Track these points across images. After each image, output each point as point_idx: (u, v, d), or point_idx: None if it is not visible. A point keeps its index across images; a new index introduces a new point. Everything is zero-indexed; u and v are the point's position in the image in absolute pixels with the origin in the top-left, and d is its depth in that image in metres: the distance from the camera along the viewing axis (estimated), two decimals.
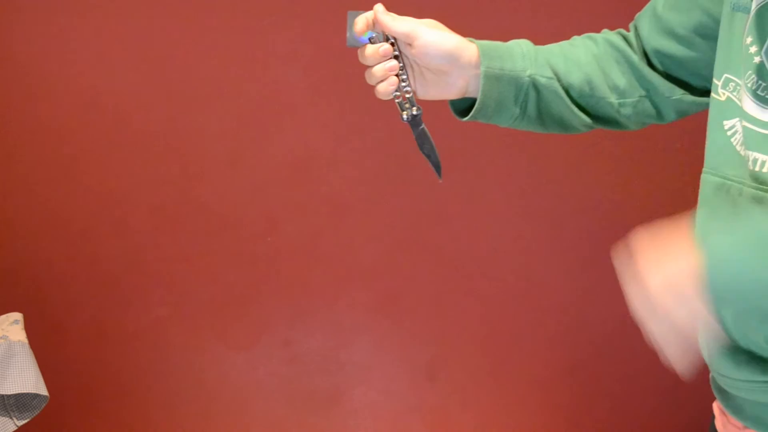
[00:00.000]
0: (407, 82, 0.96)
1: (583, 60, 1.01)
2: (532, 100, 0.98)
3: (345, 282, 2.12)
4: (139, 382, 2.14)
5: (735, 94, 0.81)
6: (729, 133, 0.81)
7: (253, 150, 2.07)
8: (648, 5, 1.03)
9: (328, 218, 2.10)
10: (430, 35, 0.92)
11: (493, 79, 0.95)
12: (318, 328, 2.14)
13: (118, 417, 2.15)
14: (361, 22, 0.94)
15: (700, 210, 0.85)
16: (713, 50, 0.93)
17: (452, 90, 0.97)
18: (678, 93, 1.00)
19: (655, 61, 1.01)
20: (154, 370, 2.14)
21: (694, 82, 0.99)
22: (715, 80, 0.85)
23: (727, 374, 0.85)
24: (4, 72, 2.02)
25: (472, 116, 0.98)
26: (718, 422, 0.93)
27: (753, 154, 0.78)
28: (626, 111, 1.01)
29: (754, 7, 0.79)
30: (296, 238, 2.10)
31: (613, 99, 1.00)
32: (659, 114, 1.02)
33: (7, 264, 2.07)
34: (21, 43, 2.01)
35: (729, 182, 0.81)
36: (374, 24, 0.94)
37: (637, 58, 1.01)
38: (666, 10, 0.98)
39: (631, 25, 1.06)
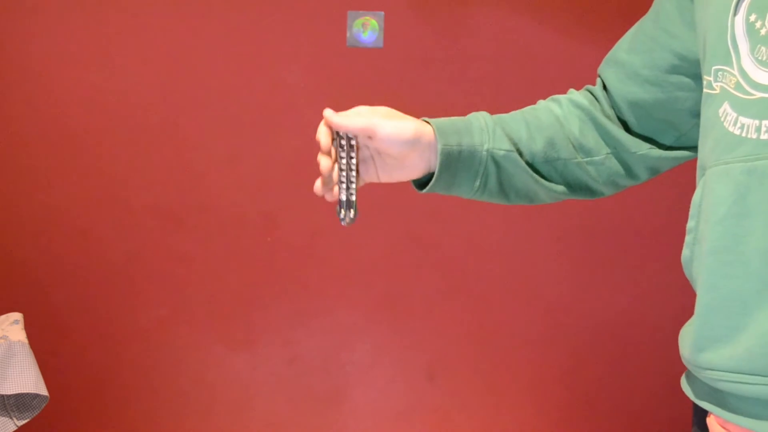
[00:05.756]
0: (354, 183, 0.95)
1: (546, 123, 1.00)
2: (493, 174, 0.97)
3: (345, 282, 2.12)
4: (138, 382, 2.14)
5: (725, 81, 0.79)
6: (722, 119, 0.78)
7: (253, 150, 2.07)
8: (609, 54, 1.03)
9: (328, 218, 2.09)
10: (388, 126, 0.92)
11: (451, 155, 0.94)
12: (318, 329, 2.14)
13: (118, 417, 2.15)
14: (323, 134, 0.93)
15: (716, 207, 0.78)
16: (682, 89, 0.93)
17: (416, 171, 0.97)
18: (644, 148, 1.00)
19: (626, 113, 1.00)
20: (154, 371, 2.14)
21: (662, 135, 0.99)
22: (705, 77, 0.82)
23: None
24: (5, 72, 2.02)
25: (428, 189, 0.98)
26: None
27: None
28: (594, 170, 1.00)
29: None
30: (296, 238, 2.10)
31: (580, 158, 1.00)
32: (630, 172, 1.02)
33: (7, 264, 2.08)
34: (21, 43, 2.01)
35: (731, 164, 0.76)
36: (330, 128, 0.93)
37: (601, 115, 1.00)
38: (628, 54, 0.98)
39: (598, 78, 1.05)
